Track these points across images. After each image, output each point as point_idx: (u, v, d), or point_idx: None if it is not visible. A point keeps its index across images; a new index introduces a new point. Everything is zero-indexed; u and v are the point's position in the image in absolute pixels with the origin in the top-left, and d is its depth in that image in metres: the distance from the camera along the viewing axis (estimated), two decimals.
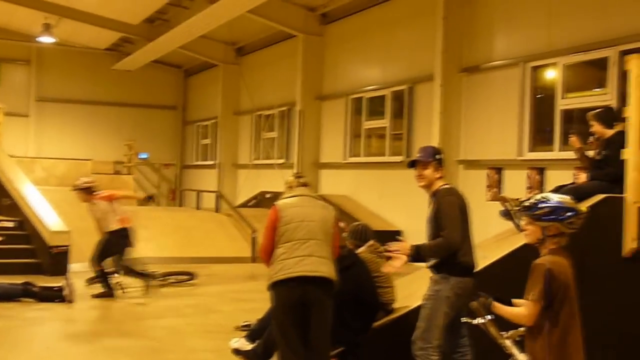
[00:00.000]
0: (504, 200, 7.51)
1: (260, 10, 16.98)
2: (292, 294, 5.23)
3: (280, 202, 5.52)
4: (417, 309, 5.52)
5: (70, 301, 9.59)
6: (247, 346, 6.74)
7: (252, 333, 6.83)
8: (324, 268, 5.30)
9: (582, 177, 7.09)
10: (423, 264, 5.56)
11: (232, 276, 12.87)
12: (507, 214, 7.39)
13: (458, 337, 5.43)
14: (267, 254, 5.45)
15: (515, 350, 4.13)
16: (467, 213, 5.38)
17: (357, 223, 7.01)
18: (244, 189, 21.97)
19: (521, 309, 4.02)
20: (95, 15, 20.18)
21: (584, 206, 4.27)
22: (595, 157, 7.29)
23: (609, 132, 7.18)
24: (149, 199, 13.32)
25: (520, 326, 4.13)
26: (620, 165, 6.68)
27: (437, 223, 5.30)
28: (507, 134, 12.27)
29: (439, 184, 5.41)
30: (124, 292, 10.42)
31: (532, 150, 11.92)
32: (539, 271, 3.98)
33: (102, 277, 10.18)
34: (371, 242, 6.69)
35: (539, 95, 12.02)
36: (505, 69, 12.47)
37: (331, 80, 17.95)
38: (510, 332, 4.14)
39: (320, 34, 18.17)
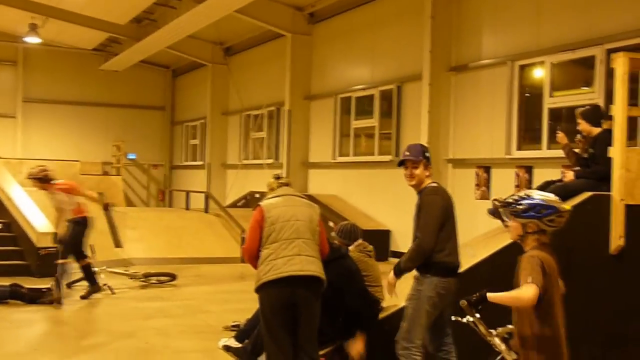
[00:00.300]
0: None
1: (248, 9, 16.95)
2: (281, 295, 5.21)
3: (265, 203, 5.49)
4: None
5: (58, 303, 9.54)
6: (236, 346, 6.73)
7: (241, 333, 6.82)
8: (313, 267, 5.29)
9: (570, 175, 7.12)
10: None
11: (221, 276, 12.85)
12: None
13: (442, 335, 5.45)
14: (251, 255, 5.42)
15: (504, 348, 4.14)
16: (452, 213, 5.37)
17: (345, 222, 7.01)
18: (233, 189, 21.95)
19: (521, 291, 3.94)
20: (82, 15, 20.08)
21: (567, 205, 4.29)
22: (583, 155, 7.32)
23: (596, 130, 7.20)
24: (106, 208, 13.17)
25: (508, 323, 4.14)
26: (607, 163, 6.71)
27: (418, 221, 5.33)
28: (496, 133, 12.31)
29: (426, 182, 5.41)
30: (113, 293, 10.40)
31: (520, 148, 11.97)
32: (533, 261, 3.99)
33: (86, 273, 10.06)
34: (359, 241, 6.69)
35: (527, 94, 12.07)
36: (493, 68, 12.51)
37: (319, 79, 17.95)
38: (499, 330, 4.14)
39: (308, 33, 18.17)
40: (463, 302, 4.10)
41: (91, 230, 10.18)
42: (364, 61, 16.31)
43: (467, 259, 6.26)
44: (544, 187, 7.11)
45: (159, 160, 27.30)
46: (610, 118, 6.91)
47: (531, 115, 11.86)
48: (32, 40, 22.07)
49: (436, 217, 5.24)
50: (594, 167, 6.98)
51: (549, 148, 11.24)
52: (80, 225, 9.94)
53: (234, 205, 19.72)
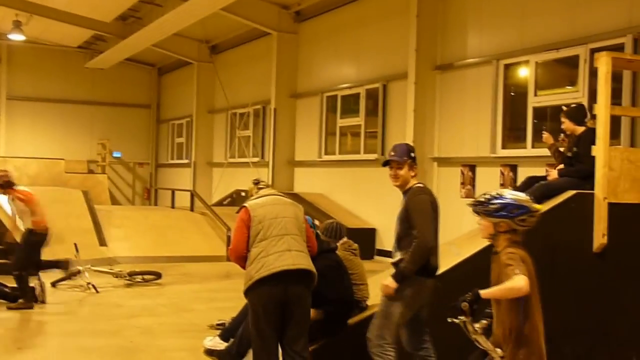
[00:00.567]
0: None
1: (234, 8, 16.93)
2: (274, 293, 5.18)
3: (249, 202, 5.50)
4: None
5: (42, 302, 9.48)
6: (221, 345, 6.73)
7: (226, 332, 6.82)
8: (304, 261, 5.31)
9: (554, 173, 7.16)
10: (390, 259, 5.56)
11: (206, 275, 12.81)
12: None
13: (421, 334, 5.47)
14: (238, 255, 5.40)
15: (489, 345, 4.15)
16: (437, 212, 5.37)
17: (330, 221, 7.01)
18: (218, 188, 21.91)
19: (513, 281, 3.94)
20: (67, 12, 19.97)
21: (539, 205, 4.31)
22: (566, 154, 7.37)
23: (580, 129, 7.25)
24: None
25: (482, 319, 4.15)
26: (590, 161, 6.76)
27: (407, 221, 5.27)
28: (481, 132, 12.37)
29: (412, 183, 5.40)
30: (97, 292, 10.35)
31: (505, 147, 12.02)
32: (514, 256, 4.02)
33: (19, 283, 9.33)
34: (345, 239, 6.71)
35: (512, 93, 12.13)
36: (478, 67, 12.56)
37: (305, 78, 17.95)
38: (476, 325, 4.12)
39: (294, 31, 18.17)
40: (465, 305, 4.04)
41: (46, 246, 9.76)
42: (350, 60, 16.33)
43: (452, 258, 6.29)
44: (527, 182, 7.16)
45: (144, 158, 27.21)
46: (593, 117, 6.96)
47: (516, 114, 11.93)
48: (17, 37, 21.88)
49: (429, 213, 5.24)
50: (577, 166, 7.03)
51: (533, 147, 11.30)
52: (37, 237, 9.54)
53: (219, 203, 19.69)
